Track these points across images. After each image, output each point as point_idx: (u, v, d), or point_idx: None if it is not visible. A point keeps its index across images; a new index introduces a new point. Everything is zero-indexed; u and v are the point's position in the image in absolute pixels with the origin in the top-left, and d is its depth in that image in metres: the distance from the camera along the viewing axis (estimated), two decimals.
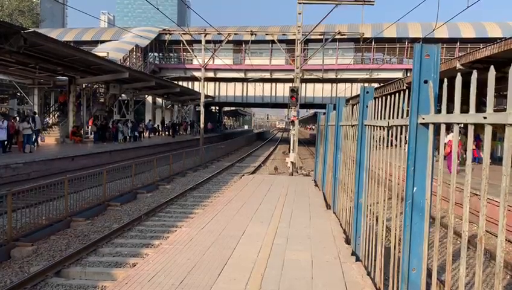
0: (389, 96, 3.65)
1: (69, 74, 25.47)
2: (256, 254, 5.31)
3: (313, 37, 30.74)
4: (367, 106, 4.75)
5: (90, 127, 30.80)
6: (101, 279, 6.86)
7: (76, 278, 7.02)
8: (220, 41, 32.67)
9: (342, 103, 7.23)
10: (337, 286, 4.34)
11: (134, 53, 43.61)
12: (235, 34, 32.32)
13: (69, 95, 26.52)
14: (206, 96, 35.97)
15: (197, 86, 44.19)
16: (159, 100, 45.16)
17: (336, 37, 27.58)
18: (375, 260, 4.08)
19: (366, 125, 4.71)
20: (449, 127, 2.54)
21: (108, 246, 8.66)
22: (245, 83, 45.92)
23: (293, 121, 22.71)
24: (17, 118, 23.03)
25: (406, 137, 3.09)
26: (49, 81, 29.51)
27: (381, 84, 27.08)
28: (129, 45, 42.59)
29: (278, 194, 10.27)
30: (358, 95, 5.01)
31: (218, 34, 29.20)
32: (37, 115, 24.73)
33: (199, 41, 30.96)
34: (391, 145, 3.73)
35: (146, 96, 41.41)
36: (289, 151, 23.62)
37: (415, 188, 2.76)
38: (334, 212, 7.73)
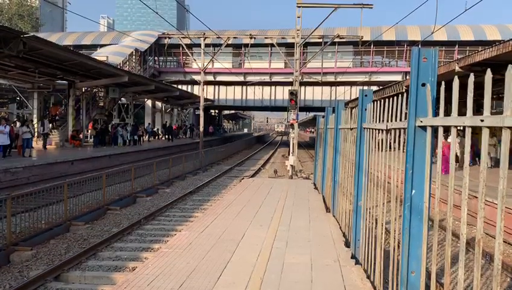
0: (387, 99, 3.66)
1: (68, 78, 25.49)
2: (255, 258, 5.31)
3: (312, 40, 30.76)
4: (366, 109, 4.76)
5: (89, 131, 30.80)
6: (101, 283, 6.85)
7: (75, 282, 7.01)
8: (219, 45, 32.72)
9: (341, 106, 7.24)
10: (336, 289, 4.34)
11: (133, 57, 43.66)
12: (234, 37, 32.38)
13: (68, 99, 26.53)
14: (206, 100, 36.01)
15: (196, 90, 44.24)
16: (159, 104, 45.18)
17: (335, 40, 27.64)
18: (374, 263, 4.07)
19: (365, 128, 4.72)
20: (447, 130, 2.55)
21: (108, 250, 8.65)
22: (244, 87, 45.95)
23: (292, 124, 22.73)
24: (17, 123, 23.07)
25: (404, 140, 3.09)
26: (49, 85, 29.50)
27: (380, 87, 27.11)
28: (128, 49, 42.63)
29: (277, 197, 10.27)
30: (357, 98, 5.01)
31: (217, 37, 29.26)
32: (46, 119, 25.41)
33: (198, 45, 31.01)
34: (390, 148, 3.74)
35: (145, 100, 41.44)
36: (289, 155, 23.63)
37: (413, 191, 2.76)
38: (333, 216, 7.72)
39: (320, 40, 31.60)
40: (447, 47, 40.53)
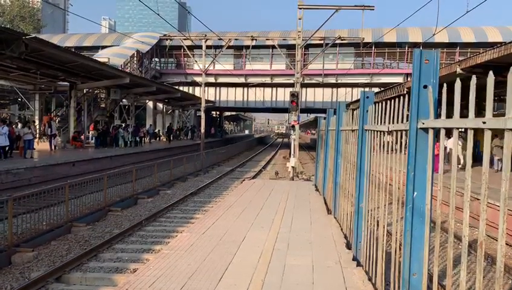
0: (389, 101, 3.66)
1: (70, 80, 25.54)
2: (257, 259, 5.30)
3: (313, 42, 30.82)
4: (367, 111, 4.76)
5: (91, 132, 30.85)
6: (102, 285, 6.85)
7: (76, 283, 7.01)
8: (221, 47, 32.77)
9: (343, 107, 7.24)
10: None
11: (135, 58, 43.71)
12: (235, 39, 32.43)
13: (69, 101, 26.58)
14: (207, 101, 36.01)
15: (197, 91, 44.26)
16: (160, 105, 45.23)
17: (336, 41, 27.68)
18: (376, 265, 4.07)
19: (366, 130, 4.72)
20: (449, 132, 2.55)
21: (109, 252, 8.65)
22: (246, 88, 45.97)
23: (293, 126, 22.73)
24: (18, 124, 23.10)
25: (406, 142, 3.09)
26: (50, 86, 29.60)
27: (382, 89, 27.11)
28: (130, 51, 42.68)
29: (278, 199, 10.27)
30: (358, 100, 5.01)
31: (218, 39, 29.31)
32: (53, 121, 25.92)
33: (200, 47, 31.05)
34: (391, 150, 3.73)
35: (147, 101, 41.46)
36: (290, 156, 23.62)
37: (415, 193, 2.76)
38: (335, 217, 7.72)
39: (322, 41, 31.67)
40: (448, 49, 40.52)
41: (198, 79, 40.42)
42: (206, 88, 35.09)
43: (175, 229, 10.42)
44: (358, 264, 5.02)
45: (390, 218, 3.58)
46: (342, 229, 6.76)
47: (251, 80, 43.22)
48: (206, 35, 28.55)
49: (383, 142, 3.88)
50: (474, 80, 2.07)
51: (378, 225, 4.04)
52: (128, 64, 42.15)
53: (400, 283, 3.00)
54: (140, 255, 8.38)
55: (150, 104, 43.50)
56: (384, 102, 3.85)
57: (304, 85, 38.43)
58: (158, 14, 18.97)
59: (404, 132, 3.27)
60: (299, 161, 24.64)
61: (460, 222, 7.32)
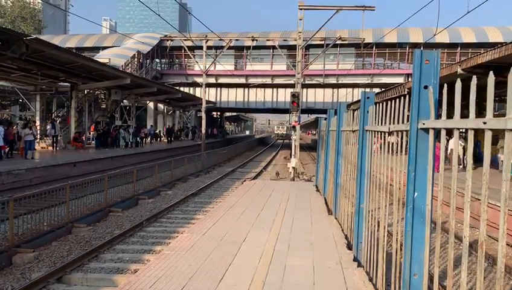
0: (389, 102, 3.66)
1: (71, 80, 25.57)
2: (257, 260, 5.30)
3: (313, 42, 30.82)
4: (368, 111, 4.76)
5: (92, 133, 30.87)
6: (103, 285, 6.86)
7: (77, 284, 7.02)
8: (221, 47, 32.78)
9: (343, 108, 7.23)
10: None
11: (135, 59, 43.75)
12: (236, 39, 32.43)
13: (70, 101, 26.62)
14: (208, 102, 36.00)
15: (198, 92, 44.26)
16: (161, 106, 45.27)
17: (337, 42, 27.65)
18: (377, 266, 4.06)
19: (367, 130, 4.72)
20: (450, 132, 2.54)
21: (110, 252, 8.65)
22: (246, 89, 45.98)
23: (294, 126, 22.73)
24: (19, 124, 23.14)
25: (406, 142, 3.09)
26: (51, 87, 29.62)
27: (382, 90, 27.10)
28: (131, 51, 42.72)
29: (279, 199, 10.26)
30: (359, 101, 5.01)
31: (219, 39, 29.32)
32: (56, 122, 26.44)
33: (200, 47, 31.07)
34: (392, 150, 3.73)
35: (148, 102, 41.50)
36: (290, 157, 23.62)
37: (415, 194, 2.75)
38: (335, 218, 7.71)
39: (322, 42, 31.71)
40: (449, 49, 40.50)
41: (199, 80, 40.43)
42: (207, 89, 35.12)
43: (176, 230, 10.42)
44: (359, 265, 5.02)
45: (391, 218, 3.58)
46: (342, 230, 6.76)
47: (252, 80, 43.23)
48: (206, 36, 28.56)
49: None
50: (474, 81, 2.06)
51: (379, 225, 4.04)
52: (129, 65, 42.19)
53: (400, 284, 3.00)
54: (141, 255, 8.39)
55: (151, 104, 43.54)
56: (384, 102, 3.85)
57: (305, 86, 38.44)
58: (159, 15, 18.99)
59: (404, 133, 3.27)
60: (299, 162, 24.64)
61: (461, 223, 7.30)
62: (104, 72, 24.20)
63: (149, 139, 37.38)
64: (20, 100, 35.15)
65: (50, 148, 25.00)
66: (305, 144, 70.67)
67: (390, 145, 3.77)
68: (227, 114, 79.21)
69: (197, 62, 37.58)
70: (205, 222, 7.48)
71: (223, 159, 31.58)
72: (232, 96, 47.17)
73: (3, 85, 30.66)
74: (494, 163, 15.59)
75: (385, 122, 3.81)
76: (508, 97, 1.75)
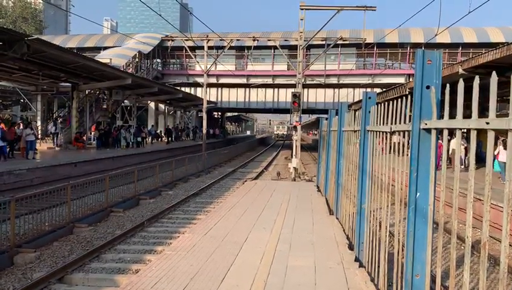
0: (391, 102, 3.65)
1: (72, 80, 25.58)
2: (259, 260, 5.30)
3: (315, 42, 30.78)
4: (369, 112, 4.75)
5: (93, 133, 30.90)
6: (104, 285, 6.86)
7: (79, 284, 7.02)
8: (223, 47, 32.75)
9: (345, 108, 7.23)
10: None
11: (137, 59, 43.77)
12: (237, 40, 32.41)
13: (72, 101, 26.64)
14: (209, 102, 35.99)
15: (199, 92, 44.28)
16: (162, 106, 45.28)
17: (338, 42, 27.62)
18: (378, 266, 4.06)
19: (368, 130, 4.71)
20: (452, 133, 2.54)
21: (111, 252, 8.65)
22: (247, 89, 45.99)
23: (295, 127, 22.72)
24: (21, 125, 23.15)
25: (408, 142, 3.09)
26: (53, 87, 29.64)
27: (384, 90, 27.09)
28: (132, 51, 42.74)
29: (280, 200, 10.26)
30: (360, 101, 5.00)
31: (220, 40, 29.31)
32: (58, 120, 27.37)
33: (201, 48, 31.09)
34: (393, 150, 3.72)
35: (149, 102, 41.49)
36: (291, 157, 23.61)
37: (418, 194, 2.75)
38: (337, 218, 7.71)
39: (323, 42, 31.68)
40: (450, 49, 40.45)
41: (200, 80, 40.46)
42: (208, 89, 35.13)
43: (177, 230, 10.42)
44: (361, 265, 5.01)
45: (393, 219, 3.57)
46: (344, 230, 6.75)
47: (253, 80, 43.22)
48: (207, 36, 28.54)
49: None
50: (477, 81, 2.06)
51: (380, 225, 4.03)
52: (130, 65, 42.20)
53: (402, 284, 2.99)
54: (143, 256, 8.39)
55: (152, 104, 43.54)
56: (386, 103, 3.85)
57: (306, 86, 38.47)
58: (160, 15, 18.99)
59: (406, 133, 3.27)
60: (300, 162, 24.63)
61: (463, 223, 7.28)
62: (105, 72, 24.21)
63: (150, 139, 37.41)
64: (22, 100, 35.18)
65: (57, 148, 25.19)
66: (306, 144, 70.65)
67: (394, 146, 3.77)
68: (228, 114, 79.23)
69: (198, 62, 37.58)
70: (206, 222, 7.48)
71: (224, 159, 31.58)
72: (233, 97, 47.19)
73: (4, 85, 30.68)
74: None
75: (387, 123, 3.81)
76: (510, 97, 1.74)
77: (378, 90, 33.77)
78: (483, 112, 1.88)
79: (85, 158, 20.37)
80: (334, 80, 42.55)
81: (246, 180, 17.82)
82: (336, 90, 44.38)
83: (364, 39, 26.93)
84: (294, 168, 21.40)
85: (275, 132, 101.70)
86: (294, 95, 21.69)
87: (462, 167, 15.50)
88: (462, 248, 8.12)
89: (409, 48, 41.52)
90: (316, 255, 5.58)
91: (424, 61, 2.78)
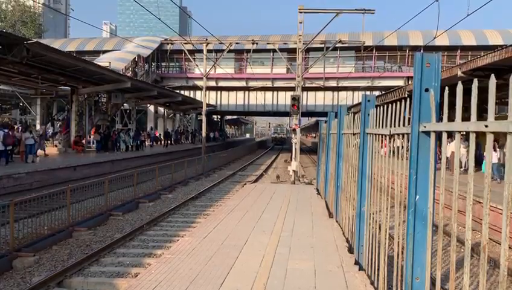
0: (390, 105, 3.66)
1: (71, 84, 25.60)
2: (258, 264, 5.29)
3: (314, 45, 30.81)
4: (368, 114, 4.76)
5: (92, 136, 30.89)
6: (103, 289, 6.84)
7: (78, 288, 7.00)
8: (222, 51, 32.82)
9: (344, 111, 7.24)
10: None
11: (136, 63, 43.80)
12: (236, 43, 32.48)
13: (71, 105, 26.65)
14: (208, 105, 36.03)
15: (198, 95, 44.30)
16: (161, 109, 45.29)
17: (337, 45, 27.69)
18: (378, 269, 4.05)
19: (368, 133, 4.71)
20: (451, 135, 2.54)
21: (111, 256, 8.63)
22: (247, 92, 46.03)
23: (294, 130, 22.72)
24: (19, 128, 23.14)
25: (407, 145, 3.09)
26: (52, 91, 29.67)
27: (383, 92, 27.11)
28: (131, 55, 42.77)
29: (280, 203, 10.25)
30: (359, 103, 5.01)
31: (219, 43, 29.34)
32: (58, 124, 27.54)
33: (201, 51, 31.12)
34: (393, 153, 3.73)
35: (148, 105, 41.50)
36: (291, 160, 23.60)
37: (417, 197, 2.75)
38: (336, 221, 7.70)
39: (322, 45, 31.68)
40: (449, 52, 40.52)
41: (199, 83, 40.48)
42: (207, 92, 35.14)
43: (176, 234, 10.40)
44: (361, 268, 5.00)
45: (393, 221, 3.57)
46: (343, 233, 6.74)
47: (252, 83, 43.27)
48: (207, 39, 28.61)
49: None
50: (475, 83, 2.06)
51: (380, 228, 4.03)
52: (129, 68, 42.23)
53: (402, 287, 2.99)
54: (142, 259, 8.37)
55: (151, 108, 43.56)
56: (385, 105, 3.85)
57: (305, 89, 38.47)
58: (159, 19, 19.00)
59: (406, 136, 3.27)
60: (300, 165, 24.62)
61: (463, 226, 7.29)
62: (105, 76, 24.24)
63: (149, 142, 37.39)
64: (21, 104, 35.20)
65: (55, 150, 25.18)
66: (306, 147, 70.64)
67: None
68: (228, 117, 79.23)
69: (197, 65, 37.59)
70: (206, 226, 7.47)
71: (224, 162, 31.57)
72: (232, 100, 47.21)
73: (3, 89, 30.71)
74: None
75: (386, 125, 3.81)
76: (509, 100, 1.74)
77: (377, 93, 33.80)
78: (482, 114, 1.88)
79: (84, 162, 20.35)
80: (333, 83, 42.60)
81: (245, 184, 17.81)
82: (335, 93, 44.43)
83: (363, 42, 27.01)
84: (293, 171, 21.39)
85: (272, 135, 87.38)
86: (293, 98, 21.71)
87: (462, 169, 15.52)
88: (462, 250, 8.12)
89: (408, 51, 41.60)
90: (316, 259, 5.57)
91: (423, 65, 2.78)
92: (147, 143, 35.88)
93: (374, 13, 21.94)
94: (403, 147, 3.72)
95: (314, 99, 45.14)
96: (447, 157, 16.40)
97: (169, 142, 38.03)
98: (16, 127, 25.25)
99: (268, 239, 6.55)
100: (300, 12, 21.98)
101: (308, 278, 4.79)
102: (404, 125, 3.31)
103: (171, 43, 34.02)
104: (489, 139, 1.94)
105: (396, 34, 37.87)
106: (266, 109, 47.23)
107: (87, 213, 11.64)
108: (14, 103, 36.45)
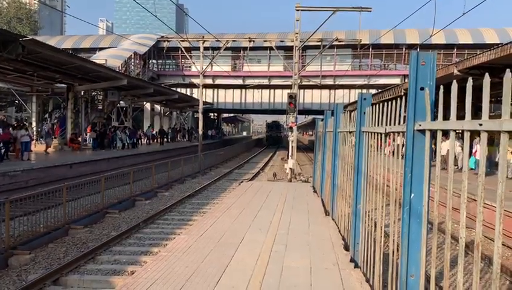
0: (386, 103, 3.67)
1: (67, 81, 25.50)
2: (254, 261, 5.30)
3: (310, 43, 30.83)
4: (365, 113, 4.77)
5: (88, 134, 30.80)
6: (99, 287, 6.84)
7: (74, 286, 6.99)
8: (218, 48, 32.77)
9: (340, 109, 7.25)
10: None
11: (132, 60, 43.67)
12: (233, 40, 32.39)
13: (67, 102, 26.55)
14: (205, 103, 35.98)
15: (195, 93, 44.27)
16: (158, 107, 45.19)
17: (334, 43, 27.72)
18: (373, 267, 4.07)
19: (363, 131, 4.73)
20: (446, 134, 2.55)
21: (107, 254, 8.63)
22: (243, 90, 46.02)
23: (291, 127, 22.73)
24: (15, 125, 23.02)
25: (402, 143, 3.10)
26: (48, 88, 29.54)
27: (379, 91, 27.16)
28: (127, 52, 42.66)
29: (276, 200, 10.26)
30: (356, 102, 5.02)
31: (216, 40, 29.30)
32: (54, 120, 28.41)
33: (197, 48, 31.04)
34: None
35: (144, 103, 41.40)
36: (288, 158, 23.62)
37: (412, 195, 2.76)
38: (332, 219, 7.72)
39: (319, 43, 31.68)
40: (445, 50, 40.66)
41: (196, 81, 40.42)
42: (204, 90, 35.13)
43: (173, 232, 10.40)
44: (356, 266, 5.02)
45: (388, 219, 3.59)
46: (339, 231, 6.76)
47: (249, 81, 43.26)
48: (203, 37, 28.52)
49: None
50: (470, 82, 2.07)
51: (375, 226, 4.05)
52: (126, 66, 42.10)
53: (397, 285, 3.00)
54: (138, 257, 8.37)
55: (148, 105, 43.46)
56: (381, 104, 3.86)
57: (302, 86, 38.49)
58: (156, 16, 18.97)
59: (401, 134, 3.28)
60: (297, 163, 24.65)
61: (457, 223, 7.30)
62: (101, 73, 24.15)
63: (146, 140, 37.29)
64: (16, 101, 35.04)
65: (49, 149, 24.99)
66: (302, 145, 70.66)
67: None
68: (225, 115, 79.19)
69: (193, 63, 37.54)
70: (202, 223, 7.48)
71: (220, 160, 31.55)
72: (229, 98, 47.20)
73: None
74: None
75: (382, 124, 3.82)
76: (503, 98, 1.76)
77: (373, 91, 33.85)
78: (477, 113, 1.89)
79: (80, 159, 20.31)
80: (330, 81, 42.65)
81: (242, 181, 17.81)
82: (332, 91, 44.49)
83: (359, 40, 27.02)
84: (290, 169, 21.41)
85: (267, 133, 72.63)
86: (290, 96, 21.70)
87: (457, 167, 15.58)
88: (457, 248, 8.16)
89: (404, 49, 41.70)
90: (312, 256, 5.59)
91: (418, 63, 2.79)
92: (143, 141, 35.80)
93: (370, 11, 21.97)
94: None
95: (311, 98, 45.19)
96: (443, 156, 16.47)
97: (165, 140, 37.94)
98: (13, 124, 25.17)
99: (264, 237, 6.56)
100: (297, 10, 21.96)
101: (304, 276, 4.81)
102: (399, 123, 3.32)
103: (168, 41, 33.88)
104: (484, 137, 1.95)
105: (392, 32, 37.93)
106: (263, 107, 47.23)
107: (84, 211, 11.61)
108: (9, 101, 36.27)
